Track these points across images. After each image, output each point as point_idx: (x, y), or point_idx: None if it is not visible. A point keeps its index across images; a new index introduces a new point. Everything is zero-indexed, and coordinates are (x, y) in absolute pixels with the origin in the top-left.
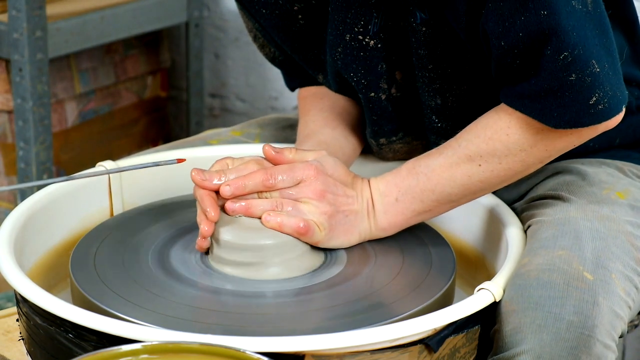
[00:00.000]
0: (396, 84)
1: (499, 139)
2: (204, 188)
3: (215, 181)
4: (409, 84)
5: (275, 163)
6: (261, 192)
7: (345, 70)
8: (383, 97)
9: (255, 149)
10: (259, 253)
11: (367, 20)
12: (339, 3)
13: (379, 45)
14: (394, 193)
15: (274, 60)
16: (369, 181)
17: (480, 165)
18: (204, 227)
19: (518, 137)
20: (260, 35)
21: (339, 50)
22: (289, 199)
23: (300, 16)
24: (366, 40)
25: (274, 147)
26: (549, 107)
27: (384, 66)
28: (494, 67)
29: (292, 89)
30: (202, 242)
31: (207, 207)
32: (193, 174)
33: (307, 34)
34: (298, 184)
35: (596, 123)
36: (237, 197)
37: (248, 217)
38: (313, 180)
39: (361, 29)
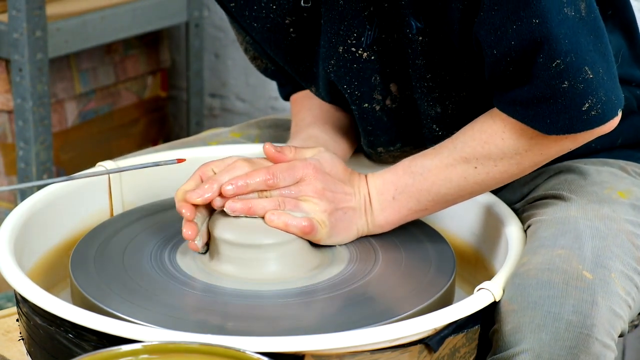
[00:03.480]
0: (391, 96)
1: (494, 142)
2: (203, 203)
3: (209, 194)
4: (404, 96)
5: (275, 162)
6: (262, 191)
7: (339, 82)
8: (377, 107)
9: (255, 150)
10: (258, 252)
11: (360, 32)
12: (332, 15)
13: (372, 58)
14: (390, 191)
15: (265, 72)
16: (366, 177)
17: (476, 167)
18: (187, 232)
19: (513, 142)
20: (252, 48)
21: (332, 62)
22: (289, 198)
23: (291, 29)
24: (359, 52)
25: (275, 146)
26: (541, 114)
27: (378, 78)
28: (487, 75)
29: (285, 98)
30: (192, 245)
31: (183, 209)
32: (188, 197)
33: (298, 47)
34: (297, 182)
35: (589, 129)
36: (238, 195)
37: (250, 216)
38: (312, 179)
39: (354, 41)
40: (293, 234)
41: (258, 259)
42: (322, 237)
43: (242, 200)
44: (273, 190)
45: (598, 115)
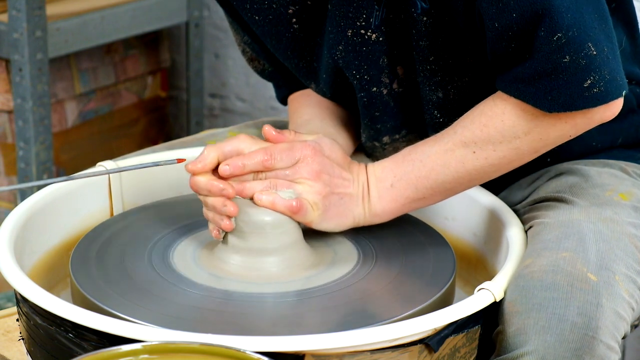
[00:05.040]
0: (398, 79)
1: (494, 125)
2: (204, 170)
3: (210, 157)
4: (410, 80)
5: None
6: (259, 172)
7: (347, 68)
8: (385, 91)
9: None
10: (259, 231)
11: (369, 12)
12: None
13: (381, 39)
14: (389, 178)
15: (263, 73)
16: (366, 166)
17: (474, 152)
18: (230, 208)
19: (512, 124)
20: (249, 48)
21: (340, 48)
22: (284, 180)
23: (294, 20)
24: (368, 34)
25: (275, 128)
26: (542, 90)
27: (386, 60)
28: (489, 52)
29: (282, 101)
30: (228, 226)
31: (223, 185)
32: (189, 167)
33: (300, 40)
34: (295, 163)
35: (590, 107)
36: (235, 176)
37: (242, 197)
38: (310, 160)
39: (363, 23)
40: (280, 212)
41: (260, 251)
42: (313, 220)
43: (235, 182)
44: (269, 172)
45: (600, 93)
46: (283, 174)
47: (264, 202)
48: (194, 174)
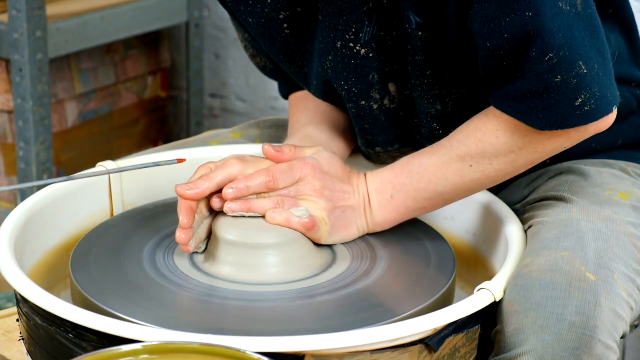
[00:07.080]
0: (389, 96)
1: (488, 141)
2: (193, 198)
3: (203, 187)
4: (403, 96)
5: (275, 161)
6: (261, 192)
7: (336, 79)
8: (375, 106)
9: (255, 150)
10: (261, 251)
11: (359, 27)
12: (330, 9)
13: (371, 55)
14: (388, 190)
15: (264, 69)
16: (365, 176)
17: (471, 165)
18: (180, 235)
19: (506, 140)
20: (250, 45)
21: (329, 58)
22: (288, 197)
23: (285, 25)
24: (357, 48)
25: (274, 146)
26: (534, 109)
27: (376, 76)
28: (481, 69)
29: (284, 97)
30: (185, 248)
31: (180, 215)
32: (178, 189)
33: (291, 45)
34: (296, 182)
35: (582, 124)
36: (238, 198)
37: (248, 214)
38: (311, 177)
39: (352, 36)
40: (295, 229)
41: (258, 258)
42: (322, 235)
43: (240, 201)
44: (272, 192)
45: (591, 110)
46: (286, 192)
47: (278, 220)
48: (183, 197)
